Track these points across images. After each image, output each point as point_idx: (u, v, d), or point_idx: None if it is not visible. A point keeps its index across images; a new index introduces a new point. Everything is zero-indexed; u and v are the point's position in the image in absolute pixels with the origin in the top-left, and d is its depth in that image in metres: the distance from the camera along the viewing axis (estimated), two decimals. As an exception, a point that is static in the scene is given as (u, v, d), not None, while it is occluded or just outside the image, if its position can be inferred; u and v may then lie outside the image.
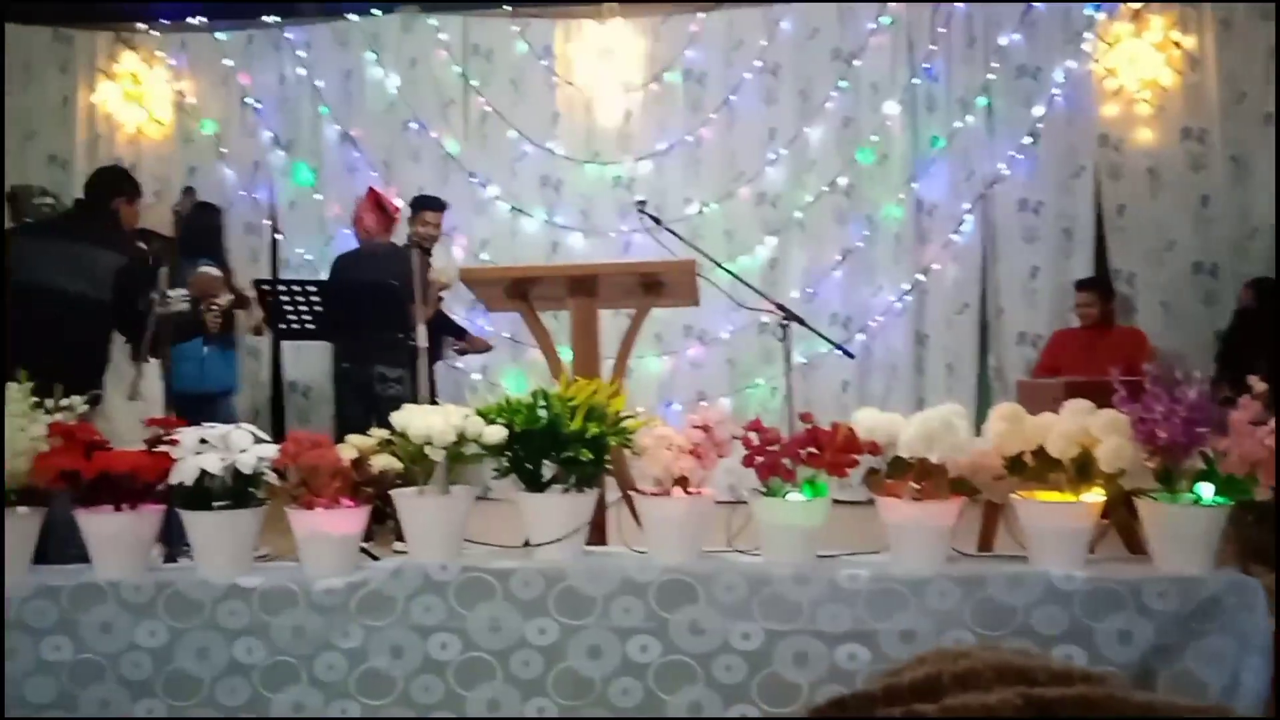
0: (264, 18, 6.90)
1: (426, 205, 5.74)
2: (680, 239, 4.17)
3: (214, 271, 5.01)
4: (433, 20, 6.88)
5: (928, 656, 1.99)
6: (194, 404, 4.04)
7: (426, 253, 5.38)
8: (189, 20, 6.94)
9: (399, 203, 5.90)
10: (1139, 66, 6.53)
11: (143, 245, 4.32)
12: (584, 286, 3.53)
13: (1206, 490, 2.67)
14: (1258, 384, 2.72)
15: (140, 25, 6.96)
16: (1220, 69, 6.39)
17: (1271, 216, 6.08)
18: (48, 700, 2.68)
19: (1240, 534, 2.73)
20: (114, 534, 2.75)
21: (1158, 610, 2.60)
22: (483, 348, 6.04)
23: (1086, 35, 6.52)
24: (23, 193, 5.12)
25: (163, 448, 2.75)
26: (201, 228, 5.18)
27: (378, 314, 4.70)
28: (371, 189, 5.81)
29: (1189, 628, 2.60)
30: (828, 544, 2.85)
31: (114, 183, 4.44)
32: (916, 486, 2.74)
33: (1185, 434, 2.62)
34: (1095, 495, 2.72)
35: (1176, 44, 6.49)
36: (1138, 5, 6.52)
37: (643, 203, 4.04)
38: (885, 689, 1.84)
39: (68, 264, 4.05)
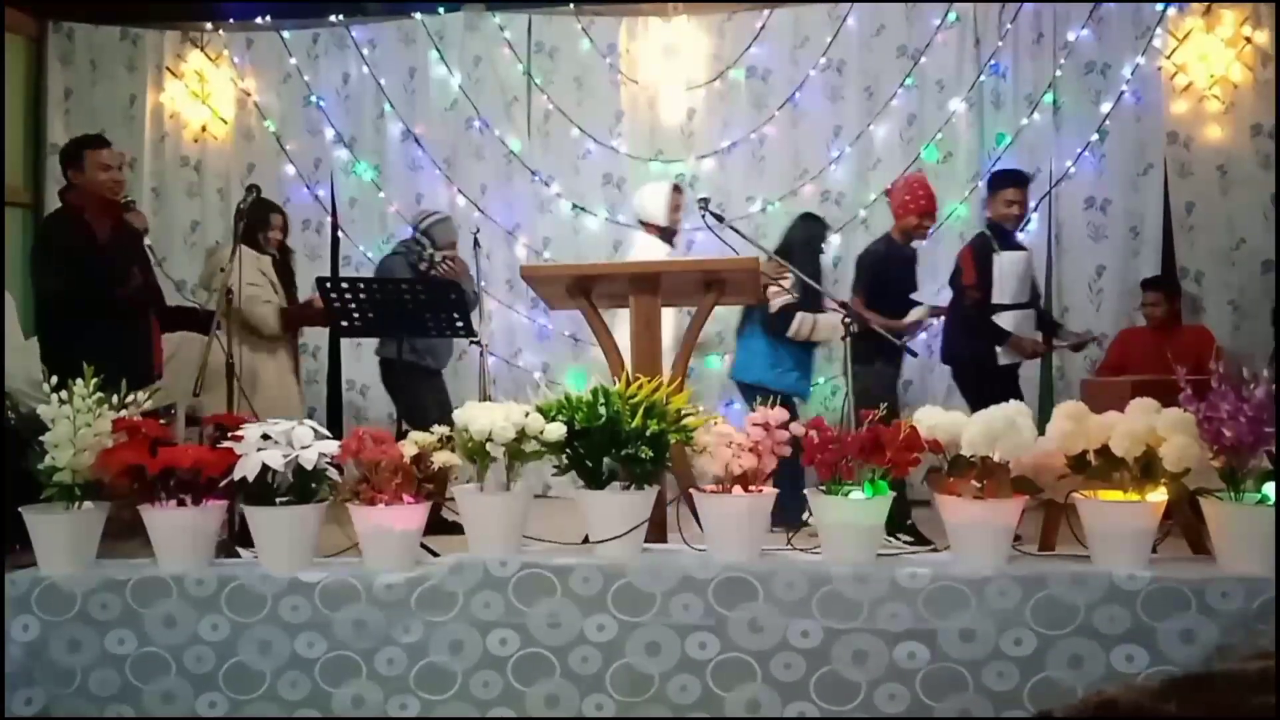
0: (330, 17, 6.99)
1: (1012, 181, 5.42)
2: (743, 237, 4.16)
3: None
4: (497, 18, 6.92)
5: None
6: None
7: (1010, 234, 5.29)
8: (255, 20, 7.05)
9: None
10: (1209, 63, 6.38)
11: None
12: (646, 284, 3.54)
13: (1271, 490, 2.62)
14: None
15: (207, 25, 7.09)
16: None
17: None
18: (112, 693, 2.75)
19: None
20: (178, 529, 2.81)
21: (1221, 610, 2.57)
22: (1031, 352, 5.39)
23: (1156, 31, 6.39)
24: None
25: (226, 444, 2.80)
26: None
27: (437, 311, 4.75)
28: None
29: (1253, 627, 2.56)
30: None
31: None
32: (978, 485, 2.71)
33: (1251, 433, 2.59)
34: (1159, 495, 2.68)
35: (1248, 40, 6.34)
36: (1209, 0, 6.37)
37: (706, 201, 4.03)
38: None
39: None
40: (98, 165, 4.33)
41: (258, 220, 5.12)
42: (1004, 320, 5.16)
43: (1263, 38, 6.30)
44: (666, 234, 5.39)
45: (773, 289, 5.05)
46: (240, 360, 4.73)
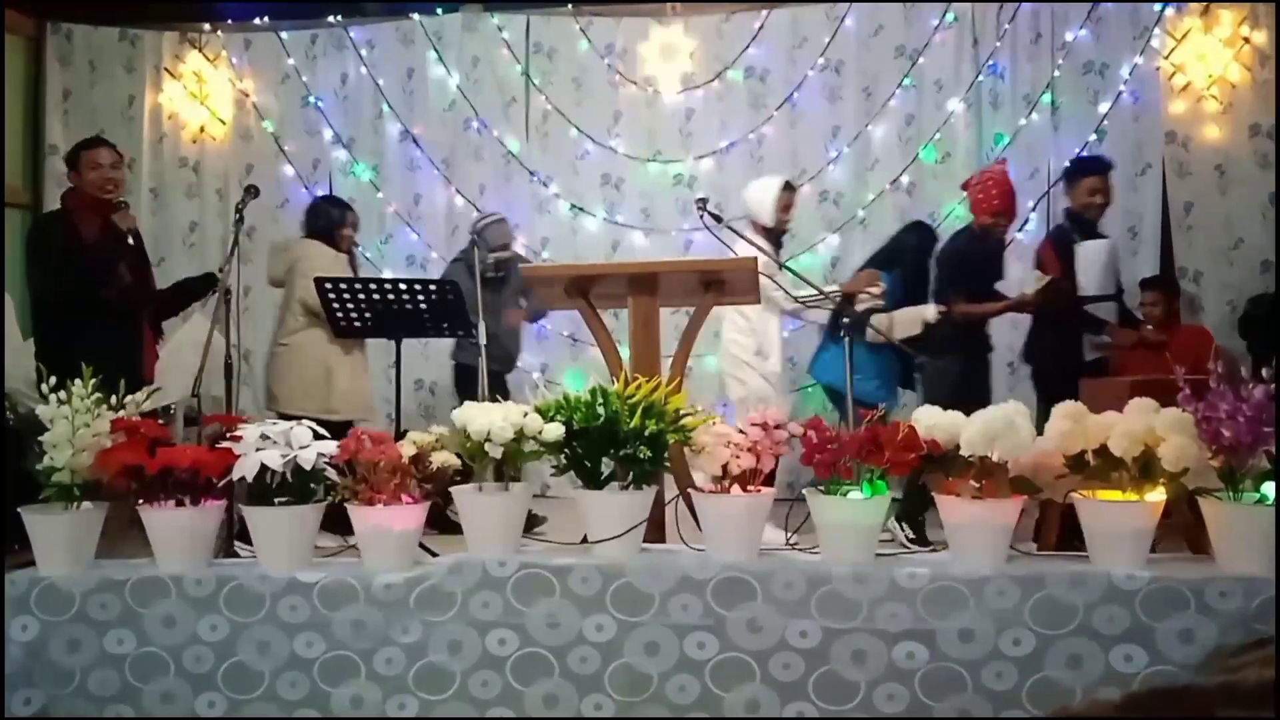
0: (328, 18, 6.99)
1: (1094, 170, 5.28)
2: (742, 236, 4.16)
3: None
4: (495, 19, 6.92)
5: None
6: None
7: (1092, 224, 5.14)
8: (254, 21, 7.05)
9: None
10: (1207, 63, 6.39)
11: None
12: (644, 284, 3.54)
13: (1270, 490, 2.63)
14: None
15: (205, 26, 7.09)
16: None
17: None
18: (111, 693, 2.75)
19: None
20: (176, 529, 2.80)
21: (1220, 610, 2.57)
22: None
23: (1154, 31, 6.40)
24: None
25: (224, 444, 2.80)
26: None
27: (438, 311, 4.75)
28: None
29: (1252, 628, 2.57)
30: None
31: None
32: (977, 485, 2.72)
33: (1250, 433, 2.59)
34: (1158, 495, 2.69)
35: (1246, 40, 6.35)
36: (1207, 1, 6.38)
37: (704, 201, 4.03)
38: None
39: None
40: (89, 165, 4.34)
41: (334, 218, 5.31)
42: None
43: (1261, 38, 6.32)
44: (773, 235, 5.32)
45: (862, 296, 5.05)
46: (314, 357, 4.84)
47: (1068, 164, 5.67)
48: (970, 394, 3.04)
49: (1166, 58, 6.42)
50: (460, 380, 5.64)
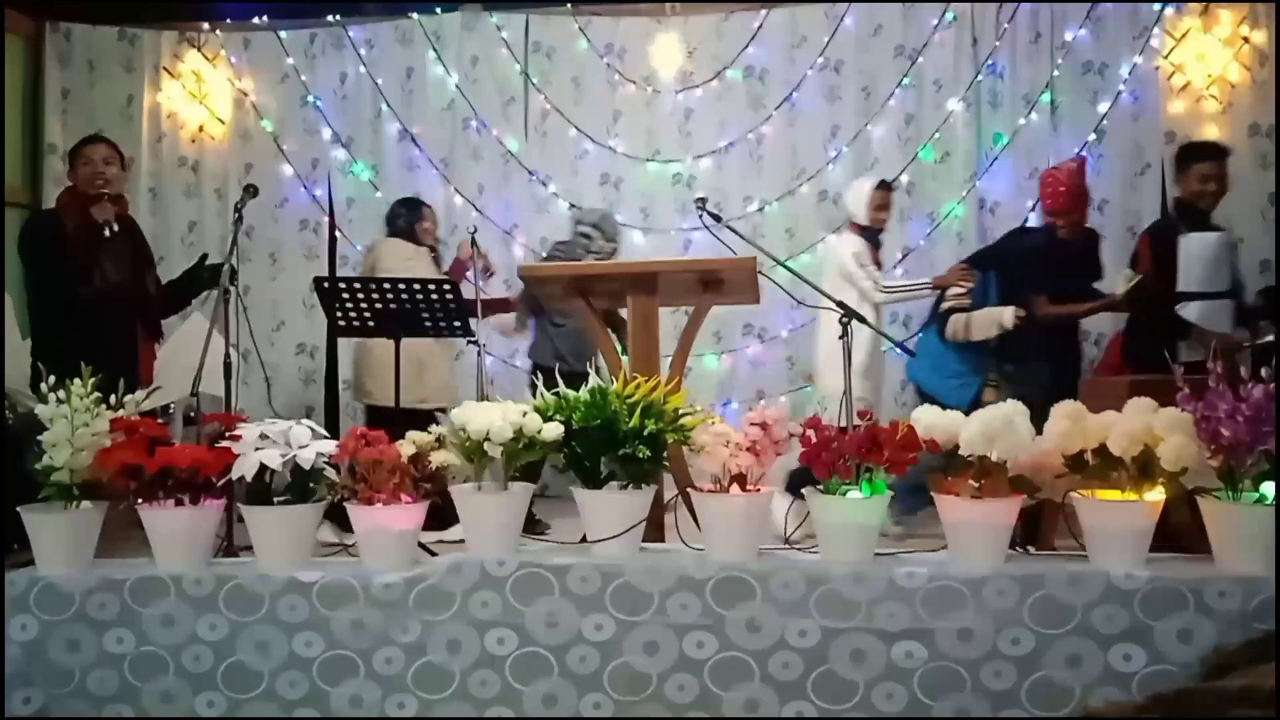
0: (327, 17, 6.98)
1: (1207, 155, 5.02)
2: (741, 237, 4.15)
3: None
4: (494, 18, 6.91)
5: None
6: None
7: (1204, 215, 4.84)
8: (253, 20, 7.05)
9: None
10: (1207, 63, 6.37)
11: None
12: (643, 284, 3.54)
13: (1269, 489, 2.63)
14: None
15: (204, 25, 7.08)
16: (1288, 65, 6.25)
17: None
18: (110, 692, 2.75)
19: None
20: (176, 528, 2.81)
21: (1219, 610, 2.58)
22: None
23: (1154, 31, 6.39)
24: None
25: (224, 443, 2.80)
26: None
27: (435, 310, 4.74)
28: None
29: (1250, 627, 2.58)
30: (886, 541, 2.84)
31: None
32: (976, 485, 2.72)
33: (1249, 433, 2.59)
34: (1157, 494, 2.69)
35: (1245, 39, 6.34)
36: (1206, 0, 6.38)
37: (703, 200, 4.02)
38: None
39: None
40: (81, 161, 4.32)
41: (414, 216, 5.53)
42: (1189, 312, 4.69)
43: (1260, 37, 6.30)
44: (869, 234, 5.27)
45: (952, 290, 5.00)
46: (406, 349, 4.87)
47: (1178, 149, 5.30)
48: (1061, 398, 2.90)
49: (1166, 57, 6.40)
50: (545, 381, 5.53)
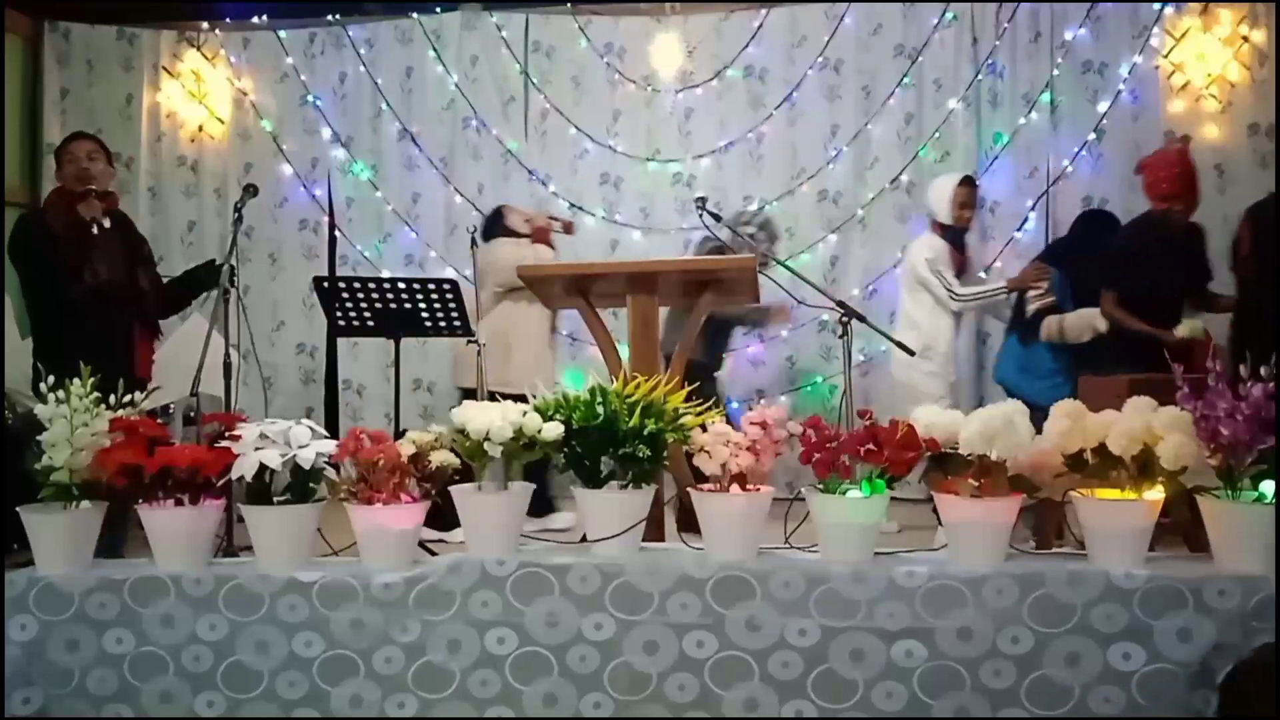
0: (327, 16, 6.99)
1: None
2: (740, 237, 4.16)
3: None
4: (494, 17, 6.92)
5: None
6: None
7: None
8: (252, 20, 7.05)
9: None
10: (1207, 62, 6.39)
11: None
12: (643, 283, 3.54)
13: (1269, 488, 2.64)
14: None
15: (204, 25, 7.09)
16: (1286, 64, 6.27)
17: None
18: (110, 693, 2.74)
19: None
20: (176, 528, 2.80)
21: (1218, 609, 2.58)
22: None
23: (1154, 31, 6.40)
24: None
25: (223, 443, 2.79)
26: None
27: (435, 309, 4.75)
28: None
29: (1250, 626, 2.58)
30: (887, 540, 2.84)
31: None
32: (975, 484, 2.72)
33: (1248, 431, 2.59)
34: (1156, 493, 2.69)
35: (1245, 39, 6.35)
36: (1206, 0, 6.39)
37: (703, 200, 4.02)
38: None
39: None
40: (67, 159, 4.31)
41: (497, 218, 5.68)
42: None
43: (1260, 37, 6.31)
44: (951, 233, 5.24)
45: (1032, 293, 4.95)
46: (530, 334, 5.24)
47: None
48: None
49: (1165, 56, 6.41)
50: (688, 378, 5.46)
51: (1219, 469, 2.67)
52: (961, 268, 5.33)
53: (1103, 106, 6.44)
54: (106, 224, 4.28)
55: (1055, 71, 6.48)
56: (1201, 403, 2.65)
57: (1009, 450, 2.70)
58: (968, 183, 5.31)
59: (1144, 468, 2.68)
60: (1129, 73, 6.41)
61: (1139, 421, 2.68)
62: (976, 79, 6.56)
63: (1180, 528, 2.99)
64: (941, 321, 5.27)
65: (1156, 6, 6.40)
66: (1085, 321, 4.71)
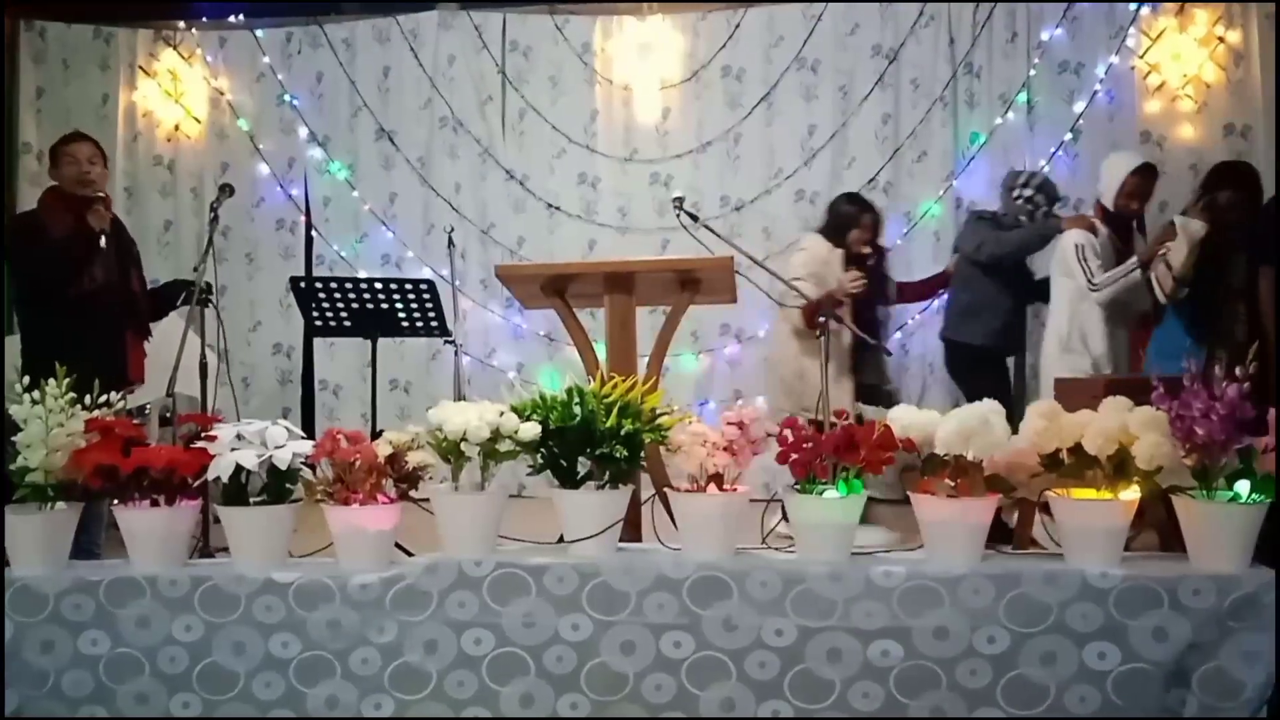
0: (304, 15, 6.96)
1: None
2: (718, 236, 4.15)
3: None
4: (472, 17, 6.90)
5: None
6: None
7: None
8: (229, 19, 7.01)
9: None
10: (1182, 62, 6.43)
11: None
12: (621, 283, 3.54)
13: (1243, 488, 2.65)
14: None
15: (180, 24, 7.04)
16: (1265, 65, 6.29)
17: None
18: (85, 694, 2.73)
19: (1277, 531, 2.71)
20: (151, 529, 2.79)
21: (1194, 608, 2.59)
22: None
23: (1130, 31, 6.44)
24: None
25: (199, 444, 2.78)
26: None
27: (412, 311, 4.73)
28: None
29: (1225, 625, 2.59)
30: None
31: None
32: (952, 484, 2.73)
33: (1223, 431, 2.61)
34: (1132, 493, 2.70)
35: (1221, 39, 6.40)
36: (1183, 0, 6.44)
37: (680, 199, 4.02)
38: None
39: None
40: (66, 160, 4.27)
41: (848, 215, 5.15)
42: None
43: (1235, 37, 6.36)
44: (1114, 220, 4.84)
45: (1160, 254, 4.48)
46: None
47: None
48: None
49: (1142, 57, 6.45)
50: (954, 358, 5.24)
51: (1194, 469, 2.68)
52: (1122, 259, 4.83)
53: (1079, 107, 6.47)
54: (108, 232, 4.25)
55: (1032, 72, 6.51)
56: (1177, 403, 2.66)
57: (985, 450, 2.71)
58: (1144, 172, 4.84)
59: (1120, 467, 2.70)
60: (1105, 73, 6.45)
61: (1114, 421, 2.70)
62: (953, 79, 6.59)
63: (1157, 527, 3.01)
64: (1089, 312, 4.81)
65: (1133, 7, 6.43)
66: (1186, 238, 4.19)
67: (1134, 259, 4.73)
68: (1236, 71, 6.36)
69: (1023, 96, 6.52)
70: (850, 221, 5.08)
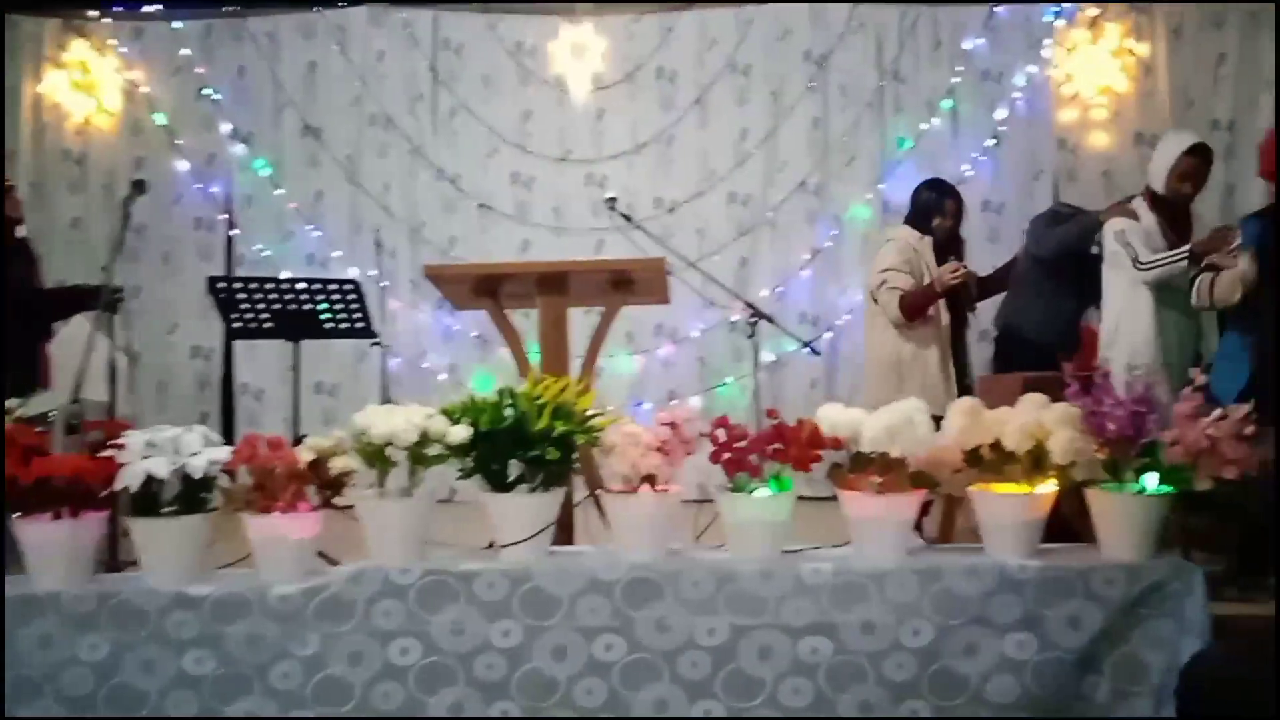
0: (225, 8, 6.79)
1: None
2: (651, 237, 4.15)
3: None
4: (402, 13, 6.81)
5: None
6: None
7: None
8: (144, 9, 6.80)
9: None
10: (1095, 73, 6.62)
11: None
12: (553, 284, 3.51)
13: (1151, 480, 2.75)
14: (1199, 377, 2.83)
15: (91, 12, 6.82)
16: (1171, 76, 6.53)
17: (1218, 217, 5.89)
18: None
19: (1182, 521, 2.85)
20: (54, 543, 2.67)
21: (1106, 596, 2.67)
22: None
23: (1046, 41, 6.59)
24: None
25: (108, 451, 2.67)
26: None
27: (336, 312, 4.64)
28: None
29: (1135, 613, 2.68)
30: (793, 539, 2.86)
31: None
32: (878, 480, 2.76)
33: (1133, 425, 2.71)
34: (1049, 486, 2.76)
35: (1130, 51, 6.61)
36: (1095, 13, 6.61)
37: (613, 200, 4.00)
38: None
39: None
40: None
41: (930, 204, 4.99)
42: None
43: (1144, 49, 6.58)
44: (1162, 204, 4.44)
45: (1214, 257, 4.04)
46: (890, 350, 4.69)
47: None
48: None
49: (1057, 67, 6.61)
50: (1001, 349, 5.08)
51: (1105, 462, 2.76)
52: (1174, 246, 4.39)
53: (1000, 114, 6.60)
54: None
55: (955, 79, 6.61)
56: (1090, 399, 2.74)
57: (910, 447, 2.75)
58: (1197, 152, 4.43)
59: (1037, 462, 2.76)
60: (1024, 81, 6.58)
61: (1031, 417, 2.77)
62: (880, 84, 6.66)
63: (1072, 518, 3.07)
64: (1142, 301, 4.46)
65: (1048, 18, 6.58)
66: (1233, 278, 3.78)
67: (1187, 247, 4.30)
68: (1145, 82, 6.58)
69: (947, 103, 6.62)
70: (934, 207, 4.98)
